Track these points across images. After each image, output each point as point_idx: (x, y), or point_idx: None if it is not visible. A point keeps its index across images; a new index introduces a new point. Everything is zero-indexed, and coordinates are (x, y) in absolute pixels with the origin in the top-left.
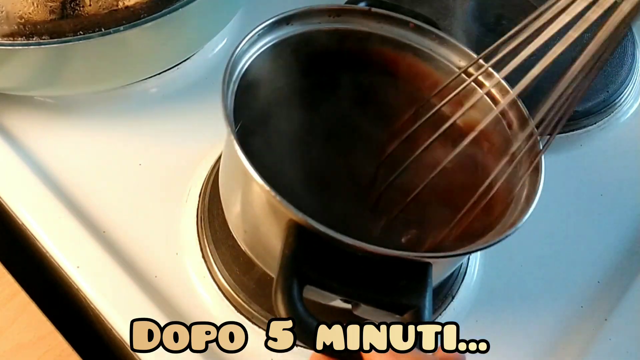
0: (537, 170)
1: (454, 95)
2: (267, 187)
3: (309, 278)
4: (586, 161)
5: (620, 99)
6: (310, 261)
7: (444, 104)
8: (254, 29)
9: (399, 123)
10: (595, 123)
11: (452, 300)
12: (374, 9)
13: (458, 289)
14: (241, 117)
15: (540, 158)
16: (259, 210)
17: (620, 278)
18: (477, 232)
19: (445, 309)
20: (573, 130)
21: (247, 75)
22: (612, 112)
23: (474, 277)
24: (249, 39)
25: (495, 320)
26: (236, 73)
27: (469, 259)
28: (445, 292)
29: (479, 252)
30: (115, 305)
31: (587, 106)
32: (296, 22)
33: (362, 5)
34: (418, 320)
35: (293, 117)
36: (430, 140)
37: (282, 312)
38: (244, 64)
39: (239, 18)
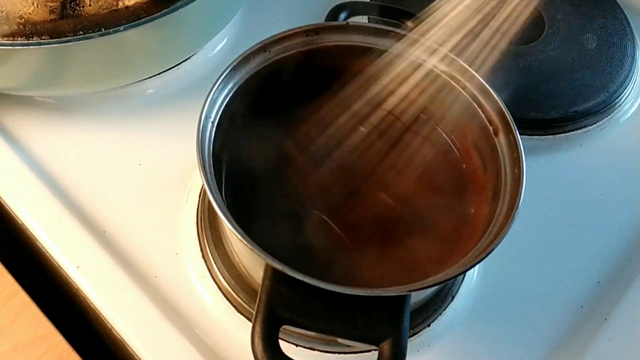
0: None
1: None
2: (241, 238)
3: (284, 319)
4: (586, 161)
5: (621, 99)
6: (285, 302)
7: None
8: (230, 64)
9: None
10: (595, 123)
11: (452, 300)
12: (351, 23)
13: (458, 289)
14: (222, 156)
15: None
16: (242, 247)
17: (620, 278)
18: (462, 247)
19: (445, 309)
20: (573, 131)
21: (227, 114)
22: (612, 112)
23: (474, 277)
24: (225, 76)
25: (495, 321)
26: (213, 113)
27: None
28: (445, 292)
29: None
30: (115, 305)
31: (587, 106)
32: (273, 48)
33: (342, 17)
34: (390, 352)
35: (275, 151)
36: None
37: (260, 357)
38: (223, 102)
39: (239, 18)
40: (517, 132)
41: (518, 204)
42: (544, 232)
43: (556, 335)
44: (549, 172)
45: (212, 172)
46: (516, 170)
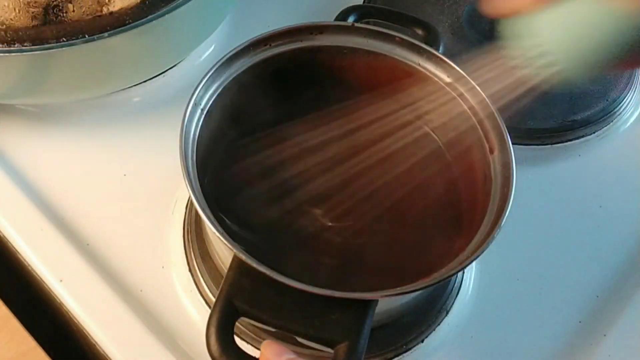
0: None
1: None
2: (210, 224)
3: (241, 310)
4: (585, 171)
5: (620, 108)
6: (246, 294)
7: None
8: (225, 54)
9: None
10: (594, 132)
11: (446, 316)
12: (357, 25)
13: (452, 304)
14: (210, 147)
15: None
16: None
17: (620, 292)
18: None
19: (439, 324)
20: (571, 140)
21: (218, 103)
22: (612, 121)
23: (469, 292)
24: (219, 65)
25: (490, 336)
26: (206, 99)
27: (464, 272)
28: (439, 307)
29: (474, 266)
30: (99, 320)
31: (586, 115)
32: (275, 42)
33: (351, 19)
34: (344, 356)
35: (261, 143)
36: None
37: (212, 346)
38: (215, 91)
39: (226, 24)
40: (512, 152)
41: (501, 223)
42: (541, 245)
43: (554, 352)
44: (547, 182)
45: (194, 157)
46: (505, 190)
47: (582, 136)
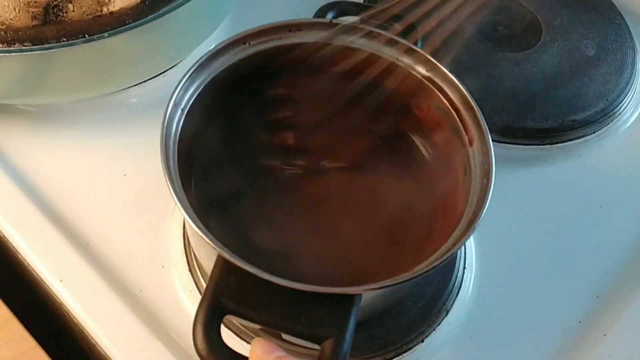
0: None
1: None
2: (193, 224)
3: (228, 308)
4: (584, 172)
5: (620, 108)
6: (232, 292)
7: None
8: (204, 54)
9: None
10: (594, 132)
11: (446, 315)
12: (335, 21)
13: (452, 304)
14: (193, 147)
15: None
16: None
17: (620, 292)
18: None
19: (439, 324)
20: (571, 140)
21: (199, 103)
22: (612, 121)
23: (469, 291)
24: (198, 65)
25: (490, 336)
26: (186, 99)
27: (464, 272)
28: (439, 306)
29: (474, 266)
30: (99, 320)
31: (586, 115)
32: (253, 40)
33: (329, 16)
34: (331, 352)
35: (242, 143)
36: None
37: (199, 344)
38: (195, 91)
39: (226, 24)
40: (491, 144)
41: (480, 216)
42: (541, 245)
43: (554, 352)
44: (546, 183)
45: (175, 157)
46: (485, 182)
47: (582, 136)
